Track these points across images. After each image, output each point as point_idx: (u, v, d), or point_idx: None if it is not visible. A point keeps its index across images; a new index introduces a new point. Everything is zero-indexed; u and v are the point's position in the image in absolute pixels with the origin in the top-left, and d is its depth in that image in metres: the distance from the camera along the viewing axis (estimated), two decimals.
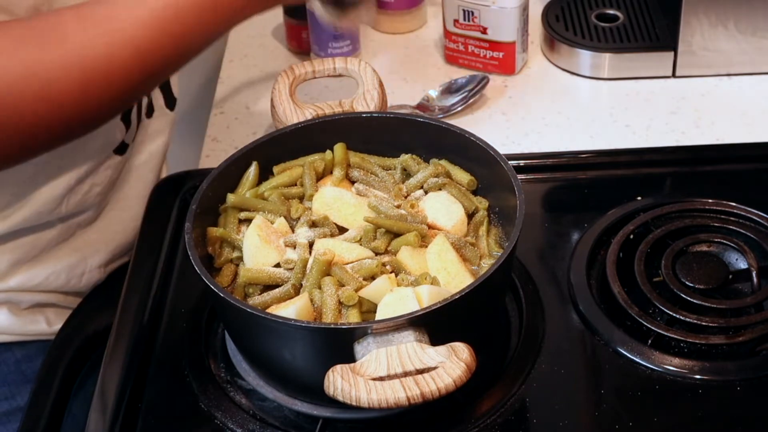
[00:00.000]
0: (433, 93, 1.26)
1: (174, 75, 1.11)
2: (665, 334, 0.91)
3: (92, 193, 1.06)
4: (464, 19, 1.27)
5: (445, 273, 0.86)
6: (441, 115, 1.22)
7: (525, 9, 1.26)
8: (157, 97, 1.14)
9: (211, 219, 0.92)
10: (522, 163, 1.12)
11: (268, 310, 0.84)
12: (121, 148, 1.08)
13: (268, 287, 0.87)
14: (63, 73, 0.84)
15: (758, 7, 1.23)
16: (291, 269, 0.87)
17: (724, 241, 0.98)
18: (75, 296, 1.11)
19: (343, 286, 0.85)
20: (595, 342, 0.92)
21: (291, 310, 0.83)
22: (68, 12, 0.86)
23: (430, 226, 0.91)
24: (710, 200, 1.04)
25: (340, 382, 0.74)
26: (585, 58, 1.28)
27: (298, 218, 0.92)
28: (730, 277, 0.96)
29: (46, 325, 1.08)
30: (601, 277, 0.97)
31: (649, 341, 0.91)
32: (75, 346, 1.07)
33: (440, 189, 0.94)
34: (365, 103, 1.03)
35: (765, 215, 1.01)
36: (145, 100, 1.11)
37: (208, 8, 0.89)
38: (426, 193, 0.95)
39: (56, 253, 1.07)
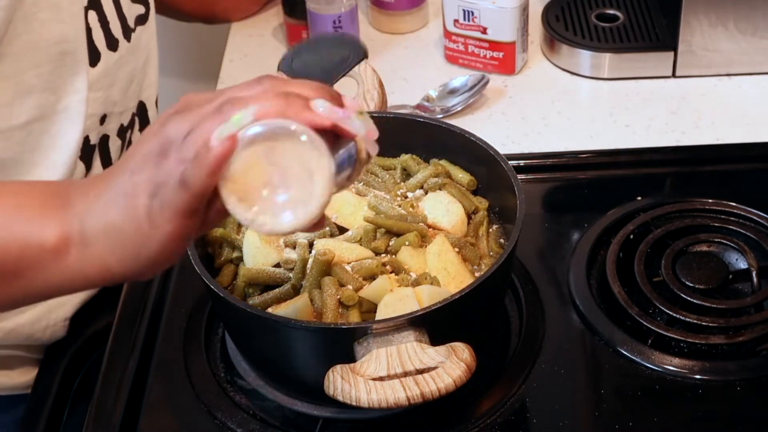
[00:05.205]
0: (433, 93, 1.25)
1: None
2: (665, 334, 0.91)
3: None
4: (464, 19, 1.27)
5: (445, 273, 0.86)
6: (441, 115, 1.22)
7: (525, 9, 1.26)
8: None
9: None
10: (522, 163, 1.12)
11: (268, 310, 0.84)
12: None
13: (268, 287, 0.87)
14: None
15: (758, 7, 1.22)
16: (291, 269, 0.87)
17: (724, 241, 0.98)
18: (37, 350, 1.08)
19: (343, 286, 0.85)
20: (595, 342, 0.92)
21: (291, 310, 0.83)
22: None
23: (430, 226, 0.91)
24: (710, 200, 1.04)
25: (340, 382, 0.73)
26: (585, 58, 1.28)
27: None
28: (730, 277, 0.96)
29: (7, 379, 1.06)
30: (601, 277, 0.97)
31: (649, 341, 0.91)
32: (75, 346, 1.07)
33: (440, 189, 0.94)
34: (365, 103, 1.03)
35: (765, 215, 1.01)
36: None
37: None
38: (426, 193, 0.95)
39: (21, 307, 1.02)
